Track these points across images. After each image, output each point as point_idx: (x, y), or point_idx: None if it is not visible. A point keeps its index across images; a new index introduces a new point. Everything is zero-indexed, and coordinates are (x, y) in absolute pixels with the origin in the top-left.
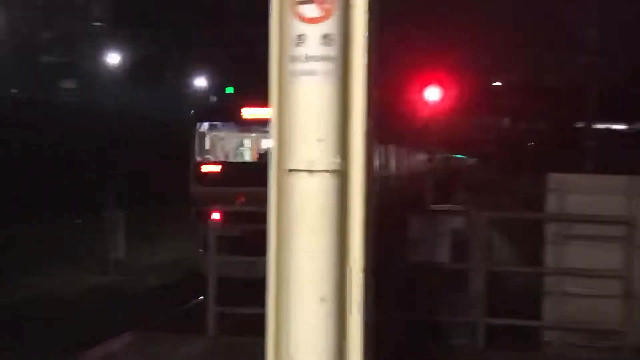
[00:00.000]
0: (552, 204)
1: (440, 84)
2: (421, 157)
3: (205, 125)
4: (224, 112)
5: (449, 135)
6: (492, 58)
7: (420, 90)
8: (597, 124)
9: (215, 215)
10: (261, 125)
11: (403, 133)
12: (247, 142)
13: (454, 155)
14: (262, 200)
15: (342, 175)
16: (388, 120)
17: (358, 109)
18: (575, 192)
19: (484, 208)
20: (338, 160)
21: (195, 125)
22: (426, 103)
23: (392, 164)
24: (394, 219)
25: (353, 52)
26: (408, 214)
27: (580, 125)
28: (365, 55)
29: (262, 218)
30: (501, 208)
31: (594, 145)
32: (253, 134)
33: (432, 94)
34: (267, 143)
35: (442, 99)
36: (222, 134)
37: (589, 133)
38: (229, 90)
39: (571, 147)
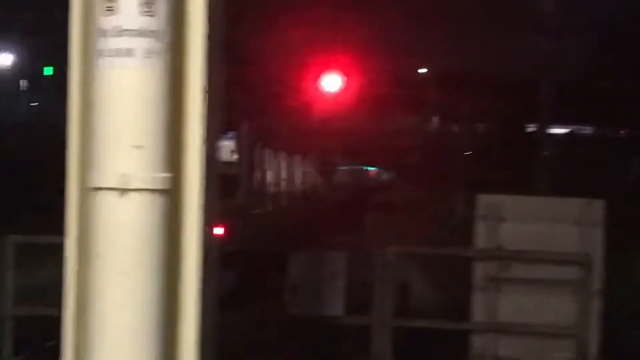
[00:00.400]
0: (482, 235)
1: (342, 69)
2: (315, 169)
3: None
4: None
5: (354, 139)
6: (416, 36)
7: (314, 79)
8: (554, 127)
9: None
10: None
11: (288, 137)
12: None
13: (362, 167)
14: None
15: (170, 195)
16: (266, 120)
17: (195, 103)
18: (513, 220)
19: (395, 240)
20: (164, 174)
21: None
22: (322, 96)
23: (271, 179)
24: (268, 255)
25: (188, 24)
26: (289, 249)
27: (532, 128)
28: (206, 28)
29: None
30: (423, 240)
31: (550, 156)
32: None
33: (331, 83)
34: None
35: (345, 90)
36: None
37: (544, 139)
38: (48, 71)
39: (520, 157)
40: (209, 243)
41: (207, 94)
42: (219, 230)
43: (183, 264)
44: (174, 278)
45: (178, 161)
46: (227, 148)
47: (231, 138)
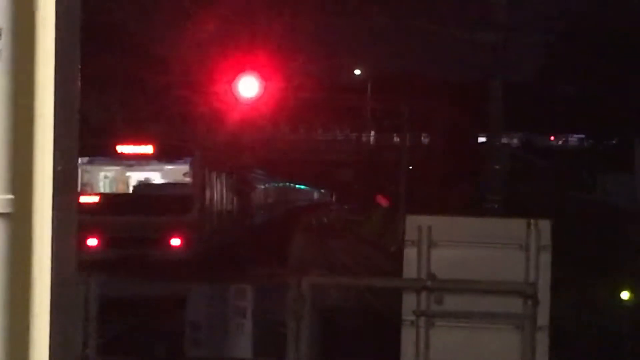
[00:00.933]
0: (411, 263)
1: (260, 71)
2: (235, 188)
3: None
4: (98, 147)
5: (276, 153)
6: (350, 33)
7: (228, 82)
8: (507, 136)
9: (93, 241)
10: (134, 159)
11: (194, 149)
12: (111, 174)
13: (289, 185)
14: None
15: (13, 219)
16: (167, 129)
17: (44, 113)
18: (446, 245)
19: (324, 268)
20: (5, 196)
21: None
22: (237, 101)
23: (215, 198)
24: (163, 291)
25: (38, 19)
26: (187, 282)
27: (482, 138)
28: (60, 26)
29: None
30: (355, 268)
31: (502, 170)
32: (118, 167)
33: (247, 87)
34: (135, 175)
35: (263, 96)
36: (89, 167)
37: (495, 150)
38: None
39: (469, 172)
40: (67, 272)
41: (60, 102)
42: (175, 242)
43: (32, 298)
44: (21, 314)
45: (23, 181)
46: (181, 171)
47: (184, 162)
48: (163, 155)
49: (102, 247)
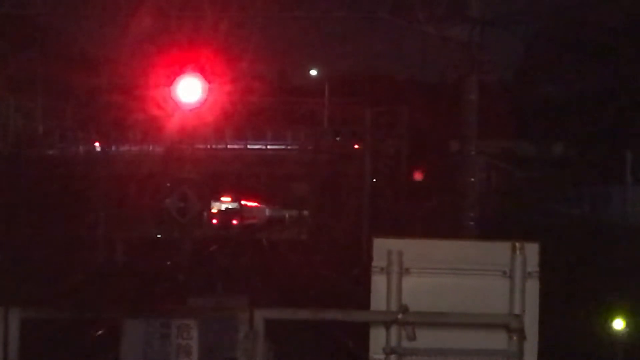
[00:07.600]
0: (379, 293)
1: (203, 72)
2: (168, 210)
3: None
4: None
5: (221, 165)
6: (301, 25)
7: (167, 85)
8: (484, 144)
9: (214, 221)
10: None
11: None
12: (222, 206)
13: (238, 204)
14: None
15: None
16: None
17: None
18: (420, 272)
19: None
20: None
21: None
22: (177, 107)
23: (234, 211)
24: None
25: None
26: (120, 315)
27: (457, 145)
28: None
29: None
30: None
31: (477, 182)
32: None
33: (188, 90)
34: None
35: (207, 100)
36: (216, 204)
37: (470, 160)
38: None
39: (442, 184)
40: None
41: None
42: (234, 222)
43: None
44: None
45: None
46: (236, 203)
47: (237, 201)
48: (234, 198)
49: (218, 223)
